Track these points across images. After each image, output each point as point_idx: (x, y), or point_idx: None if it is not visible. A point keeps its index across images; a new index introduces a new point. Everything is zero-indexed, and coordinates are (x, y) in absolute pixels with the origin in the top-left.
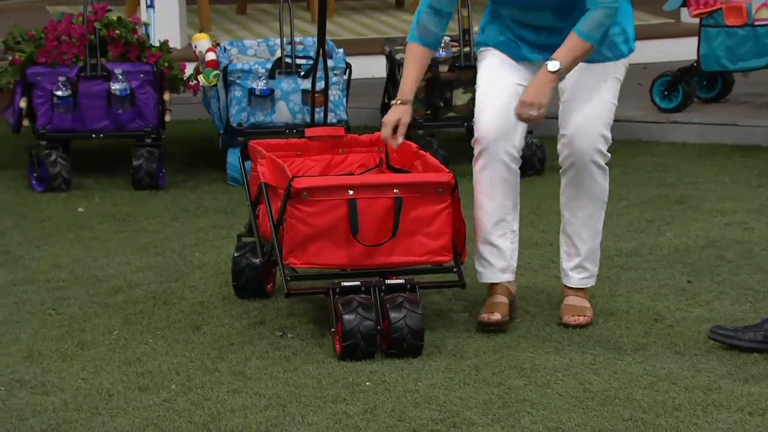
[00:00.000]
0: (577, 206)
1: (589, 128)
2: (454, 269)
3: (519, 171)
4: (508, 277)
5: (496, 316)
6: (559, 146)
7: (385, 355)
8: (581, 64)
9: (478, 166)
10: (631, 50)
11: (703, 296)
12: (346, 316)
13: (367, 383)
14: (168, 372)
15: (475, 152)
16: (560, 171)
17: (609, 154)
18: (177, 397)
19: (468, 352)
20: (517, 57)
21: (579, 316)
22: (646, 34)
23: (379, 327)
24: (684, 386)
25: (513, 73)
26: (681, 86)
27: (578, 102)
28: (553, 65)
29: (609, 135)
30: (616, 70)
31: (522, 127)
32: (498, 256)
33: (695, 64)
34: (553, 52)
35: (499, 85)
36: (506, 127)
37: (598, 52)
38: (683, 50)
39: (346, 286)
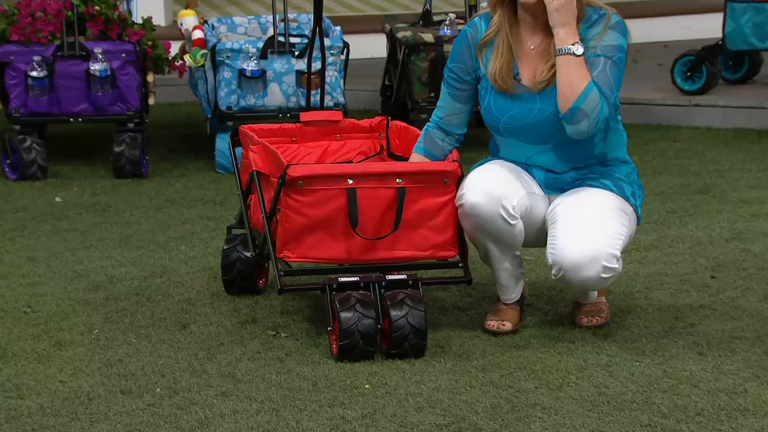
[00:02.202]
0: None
1: (591, 259)
2: (460, 264)
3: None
4: (521, 285)
5: (507, 326)
6: (547, 255)
7: (385, 356)
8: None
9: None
10: (638, 215)
11: (728, 292)
12: (344, 314)
13: (366, 386)
14: (152, 374)
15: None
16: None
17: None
18: (162, 401)
19: (474, 352)
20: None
21: (594, 316)
22: (667, 10)
23: (379, 325)
24: (707, 389)
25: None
26: (705, 66)
27: (575, 218)
28: (580, 47)
29: (619, 252)
30: (625, 208)
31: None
32: (512, 277)
33: (720, 42)
34: (561, 191)
35: (501, 163)
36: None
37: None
38: (707, 27)
39: (343, 281)
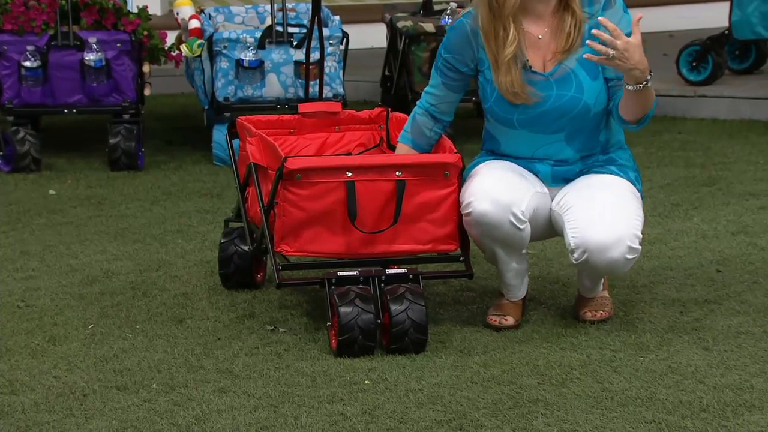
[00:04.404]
0: (597, 279)
1: (616, 239)
2: (461, 258)
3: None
4: (526, 282)
5: (509, 321)
6: (568, 240)
7: (385, 351)
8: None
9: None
10: (643, 199)
11: (734, 287)
12: (343, 309)
13: (366, 382)
14: (148, 369)
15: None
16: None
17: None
18: (158, 396)
19: (476, 348)
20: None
21: (598, 311)
22: None
23: (378, 320)
24: (712, 385)
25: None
26: (710, 56)
27: (593, 202)
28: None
29: (640, 233)
30: (635, 192)
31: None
32: (518, 276)
33: (726, 32)
34: (566, 183)
35: (502, 165)
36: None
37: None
38: (713, 17)
39: (342, 276)
